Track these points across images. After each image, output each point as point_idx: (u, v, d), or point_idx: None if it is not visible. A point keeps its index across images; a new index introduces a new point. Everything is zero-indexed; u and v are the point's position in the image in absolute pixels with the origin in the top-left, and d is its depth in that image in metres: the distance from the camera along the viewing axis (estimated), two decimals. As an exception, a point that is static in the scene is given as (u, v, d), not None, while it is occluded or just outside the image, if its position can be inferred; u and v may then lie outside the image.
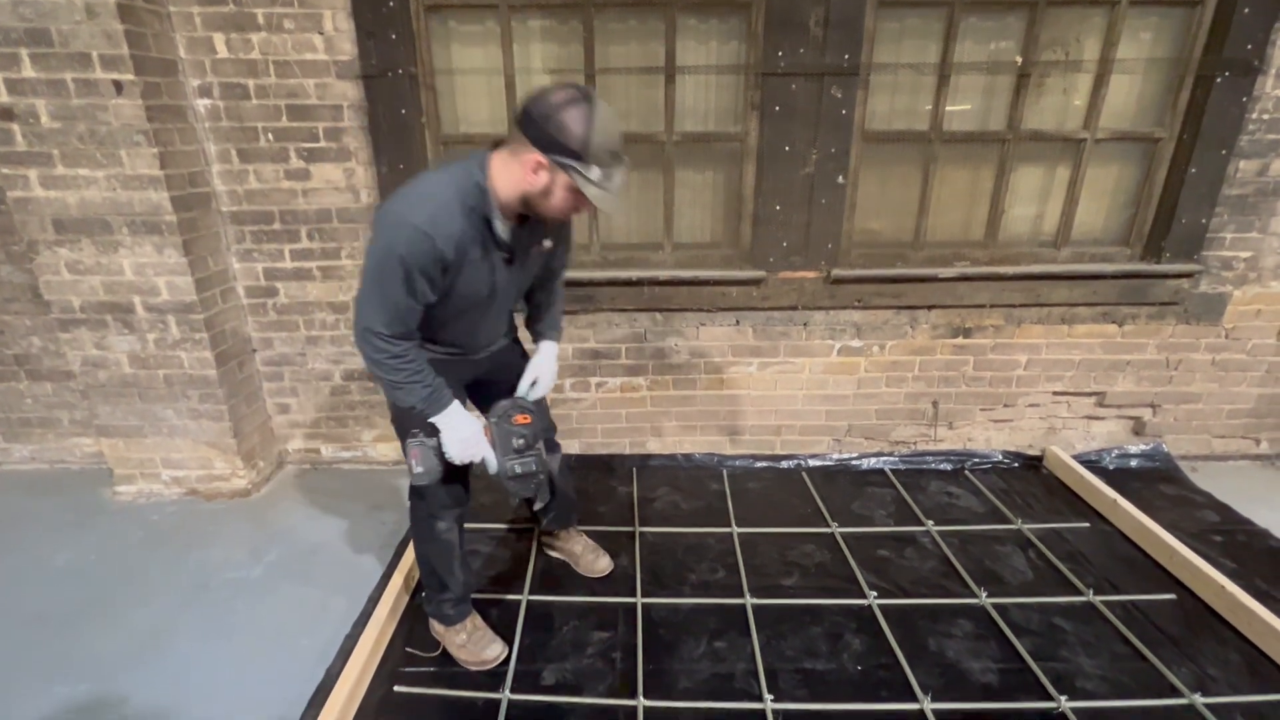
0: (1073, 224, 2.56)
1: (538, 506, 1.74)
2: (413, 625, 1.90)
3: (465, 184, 1.30)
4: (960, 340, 2.64)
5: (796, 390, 2.73)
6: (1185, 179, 2.38)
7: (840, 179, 2.39)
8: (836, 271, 2.48)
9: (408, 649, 1.82)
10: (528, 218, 1.40)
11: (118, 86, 2.06)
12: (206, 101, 2.30)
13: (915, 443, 2.83)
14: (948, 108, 2.38)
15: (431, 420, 1.46)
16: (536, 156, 1.25)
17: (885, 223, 2.58)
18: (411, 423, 1.49)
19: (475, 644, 1.76)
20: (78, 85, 2.06)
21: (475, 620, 1.81)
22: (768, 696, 1.64)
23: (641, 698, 1.64)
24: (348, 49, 2.23)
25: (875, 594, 2.00)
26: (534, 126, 1.24)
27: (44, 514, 2.50)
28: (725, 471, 2.75)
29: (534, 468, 1.57)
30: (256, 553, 2.27)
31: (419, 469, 1.50)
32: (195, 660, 1.81)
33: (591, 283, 2.50)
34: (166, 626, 1.93)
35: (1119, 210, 2.58)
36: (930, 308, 2.59)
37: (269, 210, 2.44)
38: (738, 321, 2.61)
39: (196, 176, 2.32)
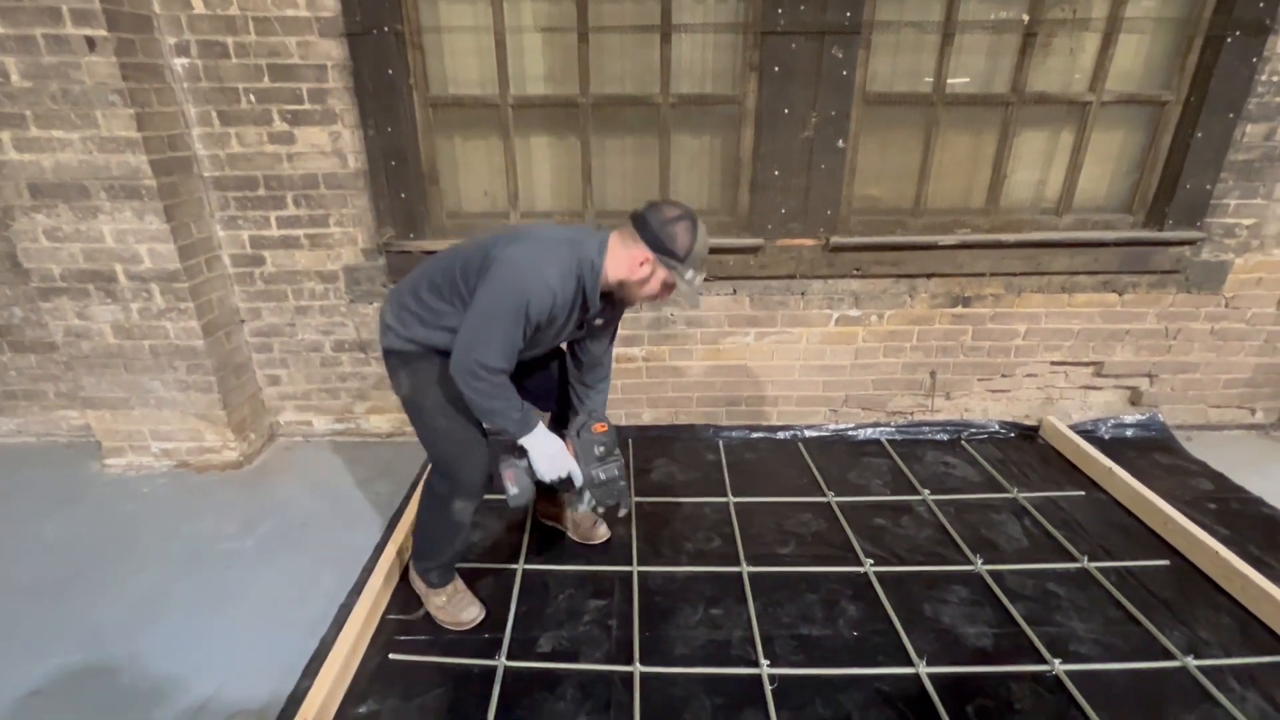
0: (1075, 190, 2.51)
1: (622, 513, 1.80)
2: (406, 597, 1.89)
3: (584, 257, 1.52)
4: (959, 309, 2.61)
5: (793, 360, 2.70)
6: (1191, 143, 2.34)
7: (840, 143, 2.34)
8: (835, 239, 2.44)
9: (388, 616, 1.82)
10: (610, 295, 1.63)
11: (90, 43, 1.97)
12: (184, 60, 2.21)
13: (912, 413, 2.82)
14: (951, 70, 2.32)
15: (520, 442, 1.61)
16: (647, 254, 1.51)
17: (885, 189, 2.53)
18: (459, 441, 1.63)
19: (454, 606, 1.78)
20: (48, 42, 1.97)
21: (457, 584, 1.82)
22: (764, 661, 1.65)
23: (638, 663, 1.64)
24: (330, 5, 2.15)
25: (871, 562, 2.00)
26: (649, 232, 1.50)
27: (33, 487, 2.47)
28: (721, 442, 2.74)
29: (616, 472, 1.70)
30: (249, 524, 2.25)
31: (514, 490, 1.61)
32: (189, 630, 1.80)
33: (586, 250, 2.44)
34: (160, 597, 1.92)
35: (1122, 176, 2.54)
36: (929, 276, 2.56)
37: (253, 175, 2.37)
38: (735, 291, 2.58)
39: (176, 140, 2.25)
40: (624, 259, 1.53)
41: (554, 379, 1.94)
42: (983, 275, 2.55)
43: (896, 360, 2.71)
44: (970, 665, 1.65)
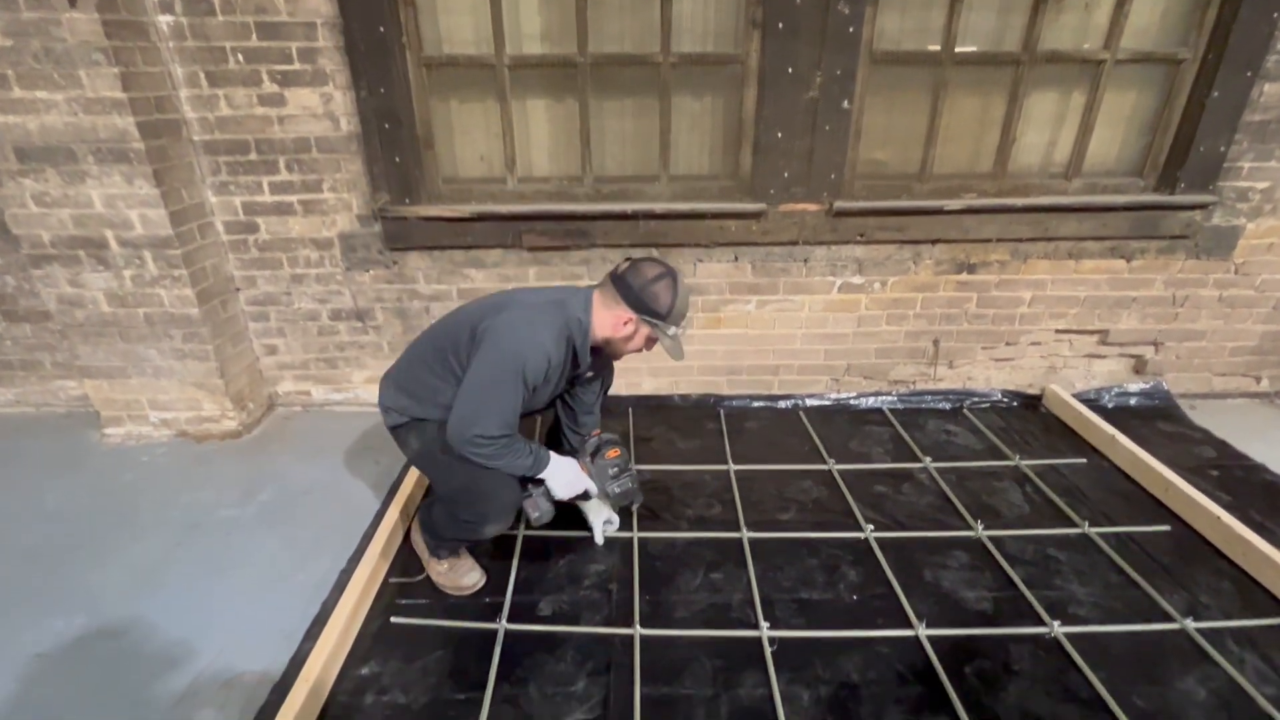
0: (1085, 154, 2.45)
1: (636, 506, 1.96)
2: (407, 560, 1.90)
3: (572, 317, 1.58)
4: (964, 276, 2.57)
5: (795, 329, 2.67)
6: (1206, 103, 2.27)
7: (845, 104, 2.27)
8: (839, 204, 2.39)
9: (391, 579, 1.82)
10: (599, 350, 1.69)
11: (70, -2, 1.91)
12: (169, 18, 2.14)
13: (914, 382, 2.80)
14: (961, 28, 2.24)
15: (540, 477, 1.68)
16: (629, 315, 1.57)
17: (891, 153, 2.47)
18: (443, 463, 1.66)
19: (455, 571, 1.79)
20: (27, -3, 1.90)
21: (460, 552, 1.82)
22: (764, 624, 1.65)
23: (639, 626, 1.64)
24: (318, -42, 2.07)
25: (872, 527, 2.00)
26: (631, 293, 1.56)
27: (32, 456, 2.47)
28: (722, 411, 2.73)
29: (630, 485, 1.84)
30: (249, 493, 2.25)
31: (535, 514, 1.71)
32: (190, 595, 1.80)
33: (584, 216, 2.40)
34: (160, 563, 1.92)
35: (1134, 139, 2.47)
36: (934, 242, 2.51)
37: (244, 139, 2.32)
38: (736, 258, 2.53)
39: (164, 101, 2.19)
40: (608, 319, 1.60)
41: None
42: (989, 241, 2.50)
43: (899, 329, 2.68)
44: (969, 628, 1.65)
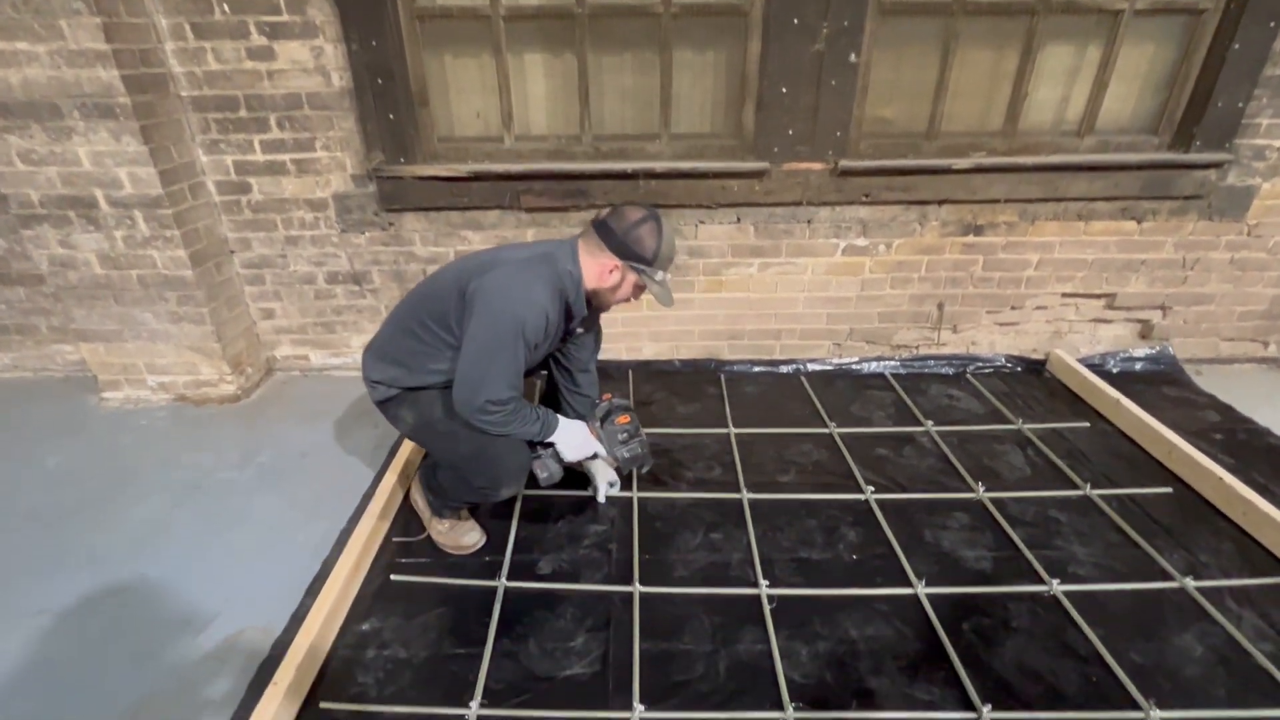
0: (1099, 110, 2.38)
1: (644, 470, 1.93)
2: (407, 520, 1.90)
3: (561, 271, 1.54)
4: (970, 238, 2.52)
5: (798, 293, 2.64)
6: (1227, 56, 2.20)
7: (853, 57, 2.20)
8: (844, 163, 2.33)
9: (395, 539, 1.83)
10: (589, 302, 1.65)
11: (47, -58, 1.83)
12: (151, -34, 2.06)
13: (917, 346, 2.77)
14: (974, -26, 2.16)
15: (549, 440, 1.66)
16: (615, 262, 1.53)
17: (898, 109, 2.40)
18: (441, 432, 1.63)
19: (456, 531, 1.79)
20: (2, -59, 1.83)
21: (461, 512, 1.82)
22: (763, 582, 1.65)
23: (638, 584, 1.65)
24: (304, -100, 1.98)
25: (872, 489, 2.00)
26: (614, 239, 1.52)
27: (31, 420, 2.46)
28: (723, 376, 2.71)
29: (639, 450, 1.82)
30: (248, 455, 2.25)
31: (543, 475, 1.69)
32: (192, 554, 1.81)
33: (583, 175, 2.35)
34: (161, 523, 1.93)
35: (1150, 94, 2.40)
36: (941, 203, 2.46)
37: (233, 95, 2.26)
38: (738, 219, 2.49)
39: (149, 55, 2.12)
40: (593, 269, 1.56)
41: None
42: (997, 202, 2.45)
43: (903, 292, 2.64)
44: (969, 586, 1.66)
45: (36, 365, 2.80)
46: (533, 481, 1.70)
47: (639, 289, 1.62)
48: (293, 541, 1.85)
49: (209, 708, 1.39)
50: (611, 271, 1.55)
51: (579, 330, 1.77)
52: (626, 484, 2.02)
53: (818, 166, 2.37)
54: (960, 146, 2.42)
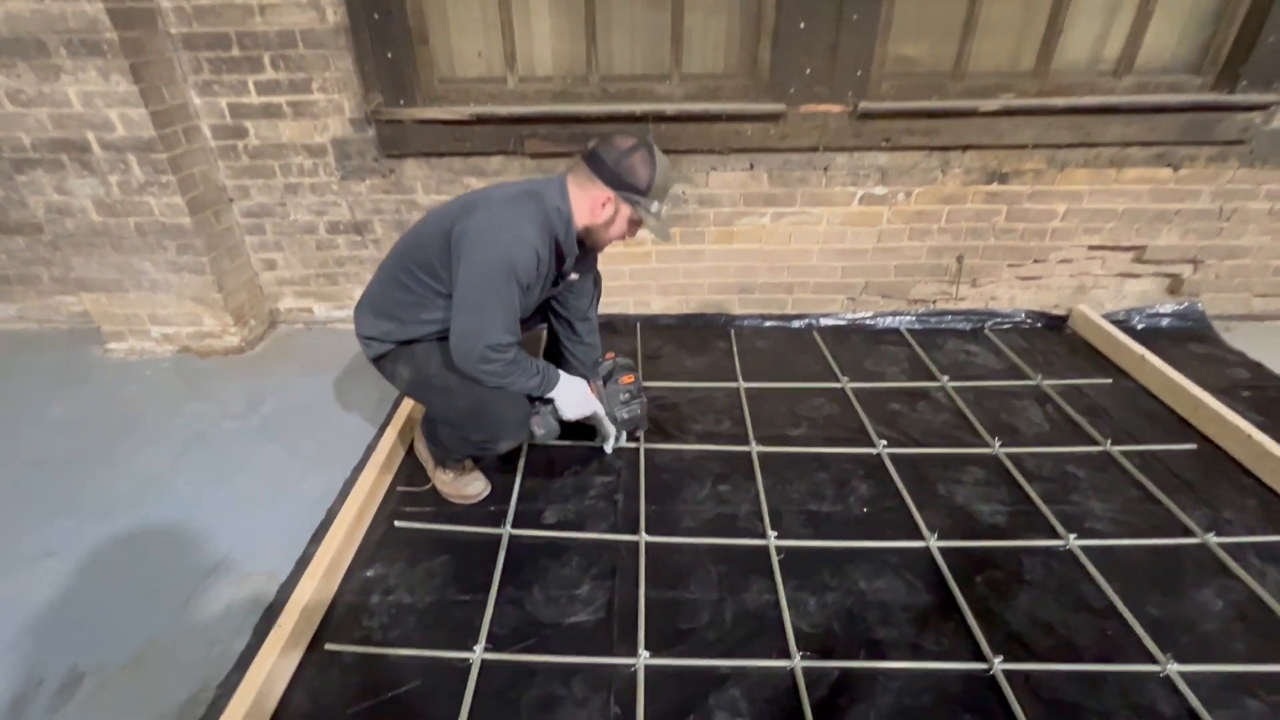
0: (1139, 48, 2.24)
1: (639, 432, 1.93)
2: (412, 469, 1.89)
3: (550, 207, 1.46)
4: (995, 187, 2.41)
5: (812, 244, 2.55)
6: (1281, -14, 2.04)
7: (876, -12, 2.07)
8: (864, 104, 2.22)
9: (399, 488, 1.82)
10: (581, 244, 1.57)
11: None
12: (133, -111, 1.95)
13: (934, 301, 2.69)
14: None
15: (548, 396, 1.61)
16: (607, 194, 1.45)
17: (922, 47, 2.27)
18: (434, 384, 1.58)
19: (460, 481, 1.77)
20: None
21: (465, 463, 1.79)
22: (771, 533, 1.63)
23: (644, 533, 1.63)
24: None
25: (885, 443, 1.96)
26: (605, 169, 1.44)
27: (36, 370, 2.46)
28: (733, 331, 2.66)
29: (638, 412, 1.81)
30: (253, 406, 2.23)
31: (540, 431, 1.65)
32: (196, 502, 1.81)
33: (590, 118, 2.25)
34: (166, 471, 1.93)
35: (1195, 30, 2.25)
36: (965, 148, 2.34)
37: (224, 33, 2.16)
38: (752, 165, 2.39)
39: (135, -13, 2.03)
40: (585, 203, 1.48)
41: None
42: (1024, 148, 2.33)
43: (922, 244, 2.55)
44: (982, 540, 1.62)
45: (41, 316, 2.78)
46: (531, 438, 1.67)
47: (634, 224, 1.54)
48: (297, 491, 1.84)
49: (214, 650, 1.39)
50: (604, 205, 1.47)
51: (573, 276, 1.69)
52: (633, 436, 1.99)
53: (836, 109, 2.25)
54: (988, 88, 2.29)
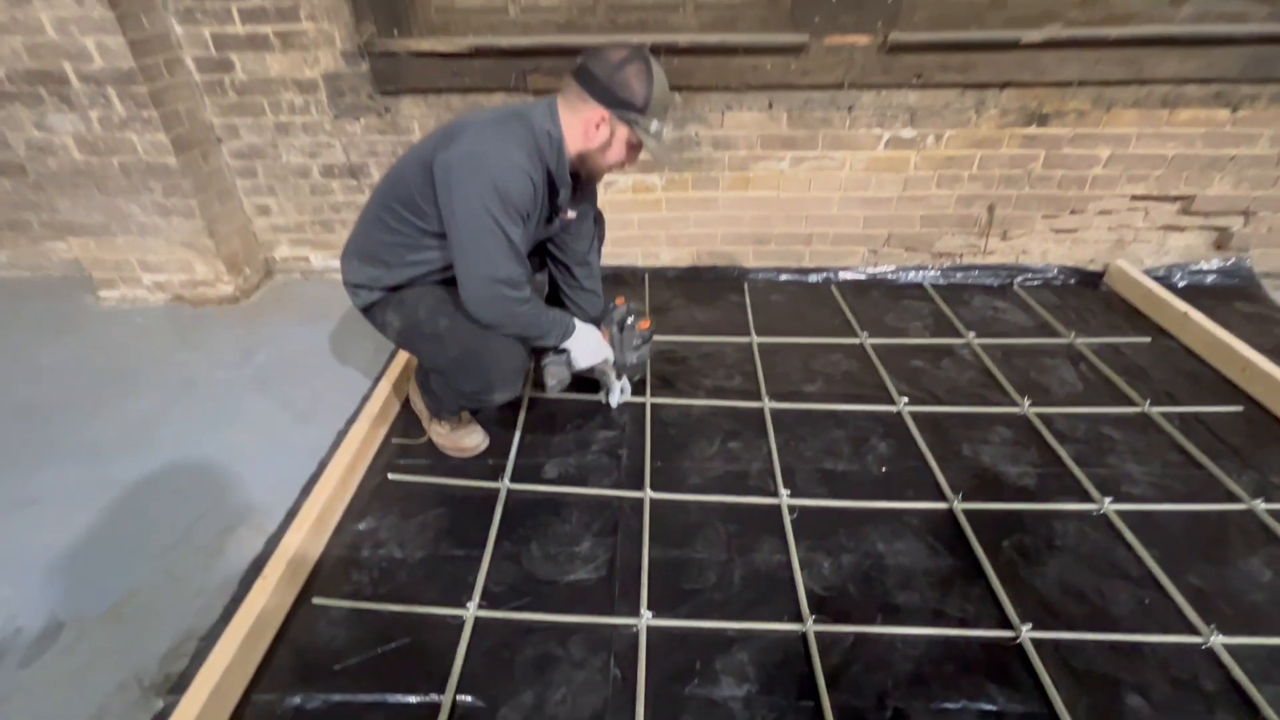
0: (1203, -29, 2.03)
1: (635, 377, 1.88)
2: (407, 422, 1.82)
3: (539, 131, 1.33)
4: (1033, 129, 2.23)
5: (833, 192, 2.40)
6: (1373, -104, 1.82)
7: (914, -100, 1.87)
8: (895, 35, 2.03)
9: (395, 439, 1.76)
10: (577, 176, 1.46)
11: None
12: None
13: (961, 255, 2.54)
14: None
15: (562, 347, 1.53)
16: (601, 112, 1.32)
17: (962, -29, 2.07)
18: (429, 334, 1.48)
19: (457, 433, 1.70)
20: None
21: (462, 415, 1.72)
22: (784, 491, 1.55)
23: (649, 489, 1.55)
24: None
25: (906, 400, 1.85)
26: (597, 84, 1.30)
27: (26, 317, 2.39)
28: (747, 284, 2.54)
29: (647, 357, 1.76)
30: (246, 355, 2.16)
31: (552, 382, 1.59)
32: (187, 450, 1.75)
33: (597, 50, 2.08)
34: (156, 419, 1.86)
35: (1267, -49, 2.03)
36: (1003, 86, 2.16)
37: (204, -47, 2.01)
38: (770, 104, 2.22)
39: (105, -101, 1.87)
40: (577, 125, 1.35)
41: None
42: (1069, 85, 2.14)
43: (950, 192, 2.38)
44: (1009, 503, 1.53)
45: (32, 264, 2.70)
46: (538, 389, 1.59)
47: (634, 149, 1.40)
48: (288, 442, 1.77)
49: (198, 602, 1.34)
50: (599, 126, 1.33)
51: (570, 214, 1.57)
52: (638, 389, 1.90)
53: (864, 40, 2.07)
54: (1032, 18, 2.09)
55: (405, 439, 1.76)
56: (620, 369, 1.73)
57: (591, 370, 1.67)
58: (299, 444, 1.76)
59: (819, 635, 1.23)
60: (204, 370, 2.08)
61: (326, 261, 2.66)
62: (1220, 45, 2.04)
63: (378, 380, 1.93)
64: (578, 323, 1.54)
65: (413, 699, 1.14)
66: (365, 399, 1.86)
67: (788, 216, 2.47)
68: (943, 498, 1.54)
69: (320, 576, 1.37)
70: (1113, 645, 1.22)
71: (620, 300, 1.76)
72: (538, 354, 1.60)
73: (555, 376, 1.59)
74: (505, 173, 1.26)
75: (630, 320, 1.70)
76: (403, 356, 1.96)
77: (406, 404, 1.88)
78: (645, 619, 1.26)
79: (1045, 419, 1.79)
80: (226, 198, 2.43)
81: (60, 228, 2.43)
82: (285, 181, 2.45)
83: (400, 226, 1.42)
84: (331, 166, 2.41)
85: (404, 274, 1.47)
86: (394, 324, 1.53)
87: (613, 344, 1.67)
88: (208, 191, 2.32)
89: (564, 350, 1.55)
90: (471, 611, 1.28)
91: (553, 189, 1.42)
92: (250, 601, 1.22)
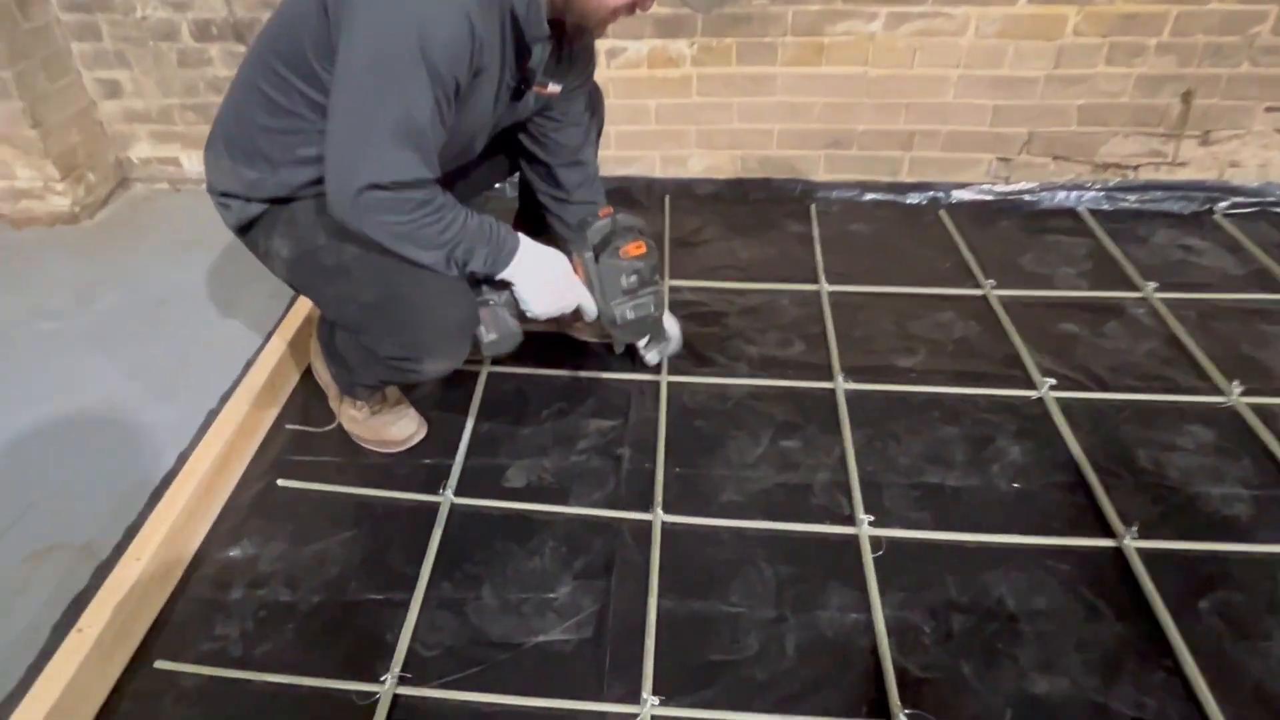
0: None
1: (650, 360, 1.83)
2: (307, 403, 1.80)
3: None
4: (1261, -28, 2.09)
5: (948, 68, 2.34)
6: None
7: None
8: None
9: (288, 426, 1.75)
10: (561, 37, 1.41)
11: None
12: None
13: (1138, 167, 2.49)
14: None
15: (501, 276, 1.44)
16: None
17: None
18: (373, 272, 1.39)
19: (379, 419, 1.68)
20: None
21: (387, 394, 1.70)
22: (864, 518, 1.50)
23: (660, 510, 1.52)
24: None
25: (1052, 383, 1.83)
26: None
27: None
28: (814, 206, 2.55)
29: (651, 309, 1.63)
30: (83, 299, 2.16)
31: (491, 335, 1.48)
32: (-12, 433, 1.74)
33: None
34: (-55, 391, 1.84)
35: None
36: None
37: None
38: (859, -69, 2.08)
39: None
40: None
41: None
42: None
43: (1127, 70, 2.30)
44: (1209, 542, 1.45)
45: None
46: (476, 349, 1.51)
47: None
48: (136, 426, 1.74)
49: (-10, 657, 1.27)
50: None
51: (552, 88, 1.47)
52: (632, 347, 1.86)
53: None
54: None
55: (304, 426, 1.75)
56: (608, 322, 1.62)
57: (559, 323, 1.59)
58: (151, 429, 1.73)
59: (916, 743, 1.18)
60: (23, 321, 2.07)
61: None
62: None
63: (268, 338, 1.91)
64: (524, 240, 1.44)
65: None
66: (248, 365, 1.84)
67: (878, 106, 2.43)
68: (1108, 531, 1.49)
69: (168, 629, 1.35)
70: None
71: (607, 211, 1.62)
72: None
73: (494, 327, 1.48)
74: (432, 12, 1.14)
75: (613, 242, 1.56)
76: (305, 305, 1.93)
77: (308, 374, 1.85)
78: (649, 706, 1.20)
79: (1264, 413, 1.73)
80: (57, 69, 2.42)
81: None
82: (143, 47, 2.46)
83: (285, 101, 1.32)
84: (208, 24, 2.39)
85: (294, 176, 1.39)
86: (281, 253, 1.45)
87: (589, 280, 1.55)
88: (30, 59, 2.32)
89: (506, 285, 1.45)
90: (388, 689, 1.22)
91: (521, 48, 1.32)
92: (57, 662, 1.17)
